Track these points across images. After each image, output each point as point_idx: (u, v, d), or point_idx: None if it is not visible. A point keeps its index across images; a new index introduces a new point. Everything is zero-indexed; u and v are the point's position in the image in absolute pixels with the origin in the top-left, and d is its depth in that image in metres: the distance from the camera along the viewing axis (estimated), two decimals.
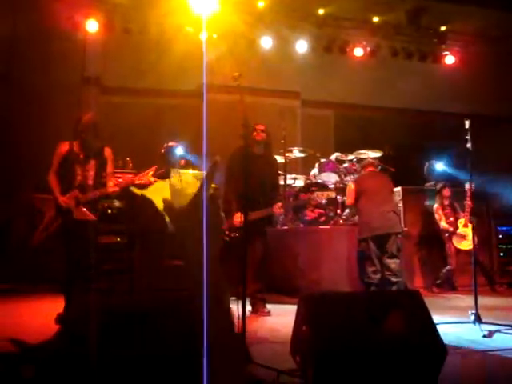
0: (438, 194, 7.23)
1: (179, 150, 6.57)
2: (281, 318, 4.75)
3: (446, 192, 7.18)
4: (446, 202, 7.18)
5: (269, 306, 5.03)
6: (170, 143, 6.70)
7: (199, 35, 8.28)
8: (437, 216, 7.12)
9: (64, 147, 4.82)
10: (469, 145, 4.43)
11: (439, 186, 7.31)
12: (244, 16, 8.64)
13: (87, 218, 4.64)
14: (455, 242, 6.94)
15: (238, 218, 4.71)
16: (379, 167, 6.89)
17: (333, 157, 6.87)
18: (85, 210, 4.62)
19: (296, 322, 2.87)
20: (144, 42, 8.28)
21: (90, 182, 4.73)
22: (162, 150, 6.63)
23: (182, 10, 8.03)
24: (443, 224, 7.07)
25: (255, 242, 4.83)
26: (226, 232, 4.87)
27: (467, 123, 4.44)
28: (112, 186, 4.68)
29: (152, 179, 4.77)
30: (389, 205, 5.66)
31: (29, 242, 4.63)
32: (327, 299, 2.78)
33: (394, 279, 5.37)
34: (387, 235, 5.47)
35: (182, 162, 6.67)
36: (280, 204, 4.88)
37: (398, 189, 7.67)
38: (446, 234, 7.05)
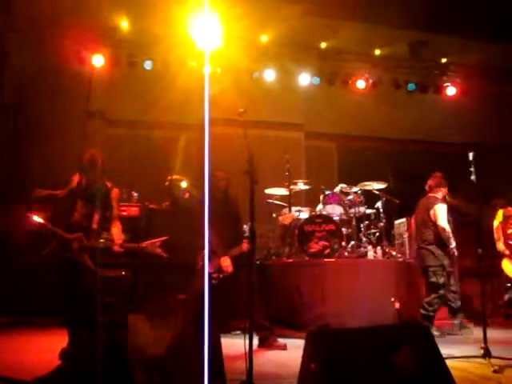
0: (503, 211, 7.02)
1: (183, 183, 6.62)
2: (287, 352, 4.68)
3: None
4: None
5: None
6: (175, 176, 6.74)
7: (203, 69, 8.40)
8: (496, 235, 6.98)
9: (76, 179, 4.76)
10: (473, 177, 4.43)
11: (499, 202, 7.12)
12: (247, 50, 8.80)
13: (86, 264, 4.55)
14: (505, 265, 6.85)
15: (227, 261, 4.99)
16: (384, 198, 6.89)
17: (337, 188, 6.88)
18: (85, 256, 4.54)
19: (303, 358, 2.82)
20: (148, 77, 8.41)
21: (95, 226, 4.62)
22: (166, 183, 6.68)
23: (186, 45, 8.17)
24: (500, 245, 6.93)
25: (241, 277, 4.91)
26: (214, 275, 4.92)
27: (471, 155, 4.44)
28: (117, 246, 4.58)
29: (158, 250, 4.74)
30: (418, 239, 6.08)
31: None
32: (335, 336, 2.74)
33: (422, 311, 5.77)
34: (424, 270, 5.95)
35: (187, 195, 6.70)
36: (246, 240, 5.07)
37: (403, 220, 7.66)
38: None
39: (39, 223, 4.53)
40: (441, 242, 5.84)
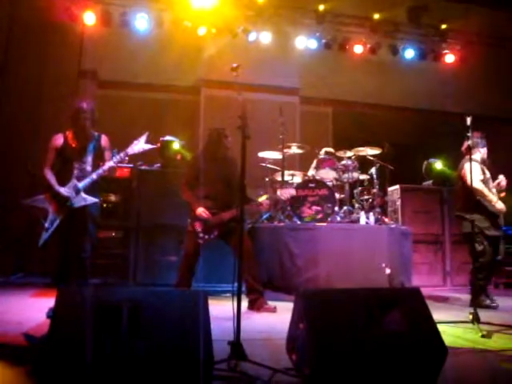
0: None
1: (175, 145, 6.52)
2: (277, 315, 4.70)
3: None
4: None
5: None
6: (167, 137, 6.64)
7: (198, 30, 8.20)
8: None
9: (58, 140, 4.77)
10: (470, 142, 4.37)
11: None
12: (243, 11, 8.58)
13: (87, 203, 4.60)
14: None
15: (201, 211, 4.80)
16: (377, 165, 6.83)
17: (322, 152, 6.81)
18: (85, 195, 4.58)
19: (292, 319, 2.81)
20: (142, 37, 8.20)
21: (88, 168, 4.70)
22: (158, 144, 6.58)
23: (181, 4, 7.96)
24: None
25: (234, 238, 4.73)
26: (201, 235, 4.82)
27: (469, 120, 4.36)
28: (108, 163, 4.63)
29: (147, 146, 4.71)
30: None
31: (35, 244, 4.58)
32: (325, 296, 2.71)
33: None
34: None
35: (179, 156, 6.62)
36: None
37: (396, 187, 7.64)
38: None
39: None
40: (476, 205, 5.38)
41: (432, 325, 2.71)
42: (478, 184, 5.41)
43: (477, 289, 5.29)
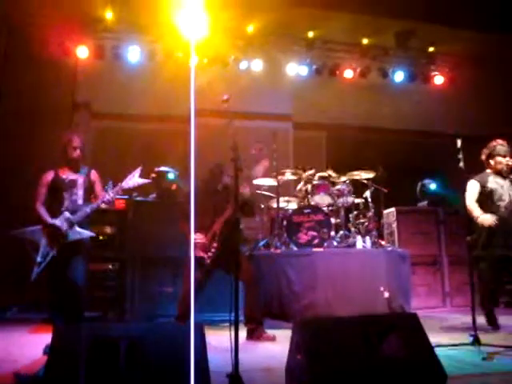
0: None
1: (170, 175, 6.55)
2: (276, 344, 4.65)
3: None
4: None
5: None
6: (161, 168, 6.68)
7: (189, 60, 8.32)
8: None
9: (49, 176, 4.78)
10: (461, 164, 4.41)
11: None
12: (233, 40, 8.73)
13: (82, 237, 4.58)
14: None
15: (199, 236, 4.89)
16: (372, 188, 6.88)
17: (316, 177, 6.86)
18: (79, 229, 4.56)
19: (291, 348, 2.79)
20: (134, 68, 8.31)
21: (80, 201, 4.68)
22: (153, 175, 6.61)
23: (172, 36, 8.08)
24: None
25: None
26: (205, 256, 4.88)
27: (459, 142, 4.42)
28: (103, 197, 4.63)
29: (141, 180, 4.71)
30: None
31: (26, 278, 4.54)
32: (322, 325, 2.70)
33: None
34: None
35: (174, 186, 6.64)
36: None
37: (391, 209, 7.66)
38: None
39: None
40: (473, 224, 5.20)
41: (430, 350, 2.71)
42: (467, 202, 5.17)
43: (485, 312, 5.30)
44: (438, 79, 9.67)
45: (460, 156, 4.40)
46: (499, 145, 5.39)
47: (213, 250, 4.91)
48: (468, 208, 5.20)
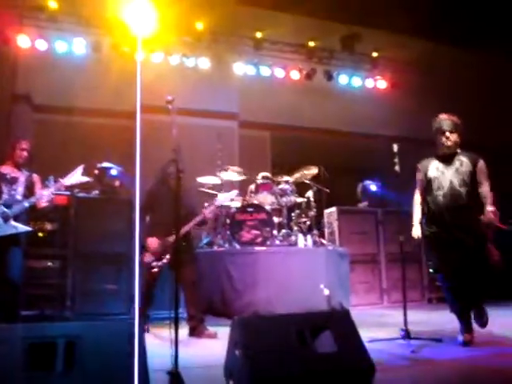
0: None
1: (113, 171, 6.47)
2: (218, 341, 4.71)
3: None
4: None
5: None
6: (104, 164, 6.58)
7: (135, 55, 8.22)
8: None
9: None
10: (397, 168, 4.61)
11: None
12: (182, 37, 8.70)
13: (18, 232, 4.47)
14: None
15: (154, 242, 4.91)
16: (314, 187, 7.05)
17: (259, 177, 6.97)
18: (15, 223, 4.45)
19: (229, 345, 2.87)
20: (79, 60, 8.13)
21: (18, 197, 4.59)
22: (96, 171, 6.51)
23: (119, 30, 7.95)
24: None
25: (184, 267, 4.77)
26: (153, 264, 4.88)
27: (395, 147, 4.63)
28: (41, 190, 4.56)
29: (82, 178, 4.66)
30: None
31: None
32: (259, 322, 2.79)
33: None
34: None
35: (117, 183, 6.57)
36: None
37: (333, 209, 7.87)
38: None
39: None
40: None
41: (360, 344, 2.85)
42: (413, 199, 4.61)
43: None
44: (381, 83, 10.01)
45: (396, 160, 4.60)
46: (442, 120, 4.46)
47: (165, 260, 4.89)
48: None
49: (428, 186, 4.48)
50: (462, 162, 4.39)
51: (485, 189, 4.31)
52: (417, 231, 4.45)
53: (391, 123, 9.45)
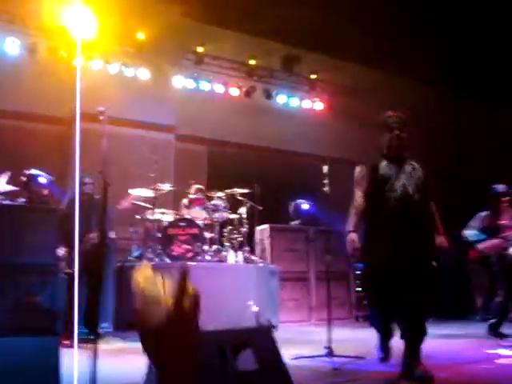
0: None
1: (42, 179, 6.23)
2: (140, 356, 4.60)
3: None
4: None
5: (130, 344, 4.89)
6: (33, 171, 6.33)
7: (73, 61, 8.02)
8: None
9: None
10: (326, 188, 4.74)
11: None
12: (123, 46, 8.58)
13: None
14: None
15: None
16: (247, 204, 7.11)
17: (192, 188, 6.98)
18: None
19: (148, 364, 2.82)
20: (11, 61, 7.84)
21: None
22: (24, 178, 6.25)
23: (58, 33, 7.75)
24: None
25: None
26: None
27: (325, 168, 4.76)
28: None
29: (7, 187, 4.52)
30: None
31: None
32: None
33: None
34: None
35: (46, 191, 6.33)
36: None
37: (265, 226, 7.94)
38: None
39: None
40: None
41: (281, 362, 2.88)
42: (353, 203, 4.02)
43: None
44: (318, 105, 10.29)
45: (325, 181, 4.73)
46: (389, 116, 3.97)
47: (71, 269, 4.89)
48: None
49: (378, 187, 3.81)
50: (414, 167, 3.88)
51: (433, 205, 3.96)
52: (352, 236, 3.85)
53: (325, 144, 9.71)
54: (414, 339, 3.66)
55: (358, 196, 3.89)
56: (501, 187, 6.33)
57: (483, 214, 6.23)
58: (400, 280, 3.64)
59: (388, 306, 3.85)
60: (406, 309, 3.71)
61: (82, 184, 5.37)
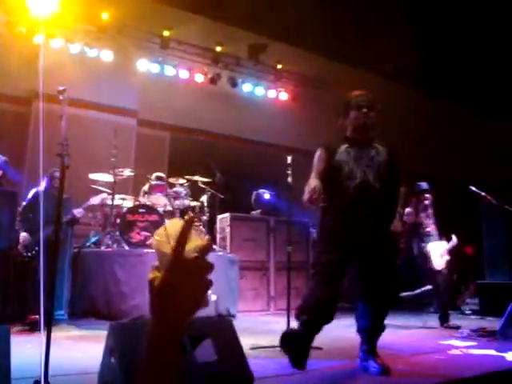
0: None
1: None
2: (97, 344, 4.52)
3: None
4: None
5: (86, 332, 4.79)
6: None
7: (34, 38, 7.73)
8: None
9: None
10: (289, 179, 4.74)
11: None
12: (86, 26, 8.33)
13: None
14: None
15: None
16: (209, 192, 7.05)
17: (153, 177, 6.89)
18: None
19: (105, 352, 2.76)
20: None
21: None
22: None
23: (17, 9, 7.46)
24: None
25: None
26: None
27: (289, 159, 4.75)
28: None
29: None
30: None
31: None
32: (137, 328, 2.71)
33: None
34: None
35: (0, 173, 6.10)
36: None
37: (226, 215, 7.92)
38: None
39: None
40: None
41: (241, 353, 2.87)
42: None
43: None
44: (283, 95, 10.28)
45: (289, 172, 4.73)
46: (356, 95, 3.71)
47: (31, 253, 4.94)
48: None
49: (334, 174, 3.50)
50: (378, 150, 3.61)
51: (402, 189, 3.75)
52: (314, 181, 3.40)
53: (289, 134, 9.72)
54: (375, 333, 3.62)
55: (311, 177, 3.47)
56: (424, 184, 6.55)
57: (407, 210, 6.31)
58: (361, 266, 3.56)
59: (335, 296, 3.55)
60: (371, 299, 3.56)
61: (52, 178, 5.40)
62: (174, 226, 0.97)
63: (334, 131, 4.24)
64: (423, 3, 8.17)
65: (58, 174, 5.48)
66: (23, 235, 5.51)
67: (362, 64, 9.82)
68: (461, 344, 4.86)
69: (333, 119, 4.05)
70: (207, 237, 1.07)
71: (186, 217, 0.94)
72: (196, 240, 0.93)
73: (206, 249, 0.91)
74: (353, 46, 9.15)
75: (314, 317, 3.53)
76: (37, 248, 4.95)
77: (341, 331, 4.89)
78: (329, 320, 3.54)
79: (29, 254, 5.40)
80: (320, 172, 3.51)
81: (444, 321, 6.22)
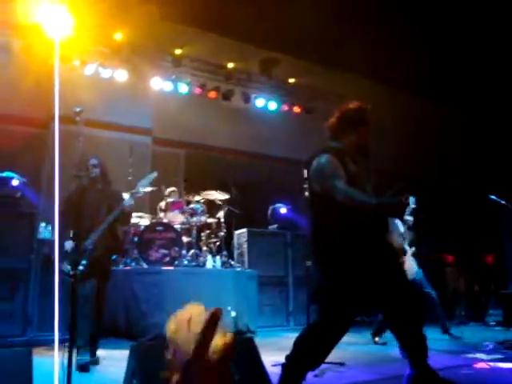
0: None
1: (15, 182, 6.08)
2: (116, 364, 4.50)
3: None
4: None
5: (105, 352, 4.76)
6: (5, 173, 6.17)
7: (48, 61, 7.84)
8: None
9: None
10: (306, 193, 4.69)
11: None
12: (99, 46, 8.45)
13: None
14: None
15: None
16: (226, 208, 7.04)
17: (167, 191, 6.90)
18: None
19: (126, 374, 2.74)
20: None
21: None
22: None
23: (33, 32, 7.59)
24: None
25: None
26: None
27: (305, 172, 4.70)
28: None
29: None
30: None
31: None
32: (158, 348, 2.68)
33: None
34: None
35: (18, 194, 6.17)
36: None
37: (243, 230, 7.89)
38: None
39: None
40: None
41: (263, 372, 2.83)
42: (338, 185, 3.21)
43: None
44: (296, 109, 10.28)
45: (305, 186, 4.67)
46: (363, 109, 3.59)
47: (79, 268, 4.47)
48: (344, 194, 3.09)
49: (351, 184, 3.16)
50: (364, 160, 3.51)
51: None
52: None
53: (304, 148, 9.67)
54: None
55: (346, 187, 3.10)
56: None
57: None
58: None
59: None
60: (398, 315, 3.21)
61: (86, 169, 4.48)
62: (196, 315, 0.91)
63: None
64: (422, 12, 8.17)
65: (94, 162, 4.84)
66: (68, 243, 4.45)
67: (372, 75, 9.81)
68: (487, 357, 4.75)
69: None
70: (230, 334, 0.98)
71: (212, 310, 0.88)
72: (220, 337, 0.87)
73: (231, 349, 0.85)
74: (364, 58, 9.15)
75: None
76: (81, 267, 4.19)
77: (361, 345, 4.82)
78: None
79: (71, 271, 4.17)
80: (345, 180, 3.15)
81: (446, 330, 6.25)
